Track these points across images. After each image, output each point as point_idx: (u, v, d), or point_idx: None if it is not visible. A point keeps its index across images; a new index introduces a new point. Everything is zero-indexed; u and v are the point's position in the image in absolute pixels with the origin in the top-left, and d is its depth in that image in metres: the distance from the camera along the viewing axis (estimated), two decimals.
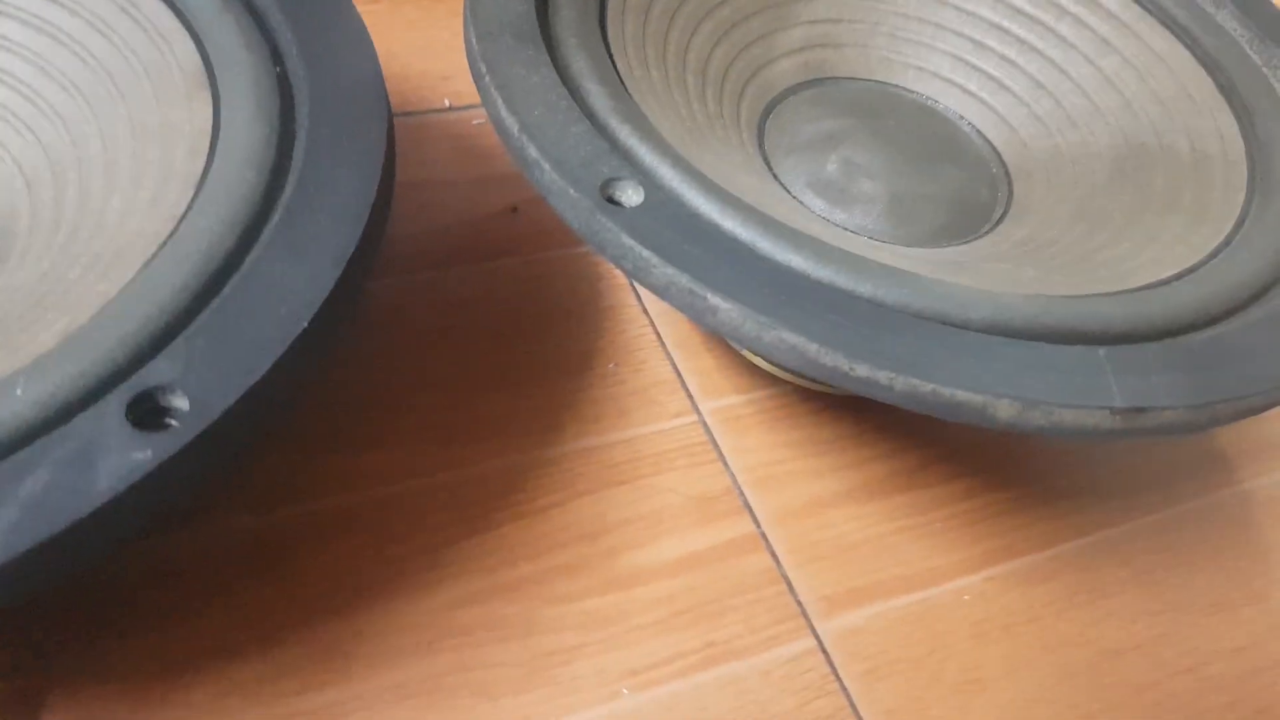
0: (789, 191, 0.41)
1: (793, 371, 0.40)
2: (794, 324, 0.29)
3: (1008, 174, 0.44)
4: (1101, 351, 0.30)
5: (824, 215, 0.41)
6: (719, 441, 0.43)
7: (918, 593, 0.40)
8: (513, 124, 0.32)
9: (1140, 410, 0.29)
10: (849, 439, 0.44)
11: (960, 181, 0.43)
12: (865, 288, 0.31)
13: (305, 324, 0.24)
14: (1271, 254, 0.34)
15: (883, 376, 0.29)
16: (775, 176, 0.42)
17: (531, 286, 0.47)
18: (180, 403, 0.23)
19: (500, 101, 0.33)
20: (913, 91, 0.46)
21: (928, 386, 0.29)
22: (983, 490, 0.44)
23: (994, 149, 0.44)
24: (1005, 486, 0.44)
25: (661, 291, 0.30)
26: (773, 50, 0.45)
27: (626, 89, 0.36)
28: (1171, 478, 0.46)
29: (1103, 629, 0.40)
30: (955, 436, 0.45)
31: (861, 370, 0.29)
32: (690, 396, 0.44)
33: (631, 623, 0.37)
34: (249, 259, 0.26)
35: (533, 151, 0.32)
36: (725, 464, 0.42)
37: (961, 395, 0.29)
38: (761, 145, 0.43)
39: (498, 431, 0.41)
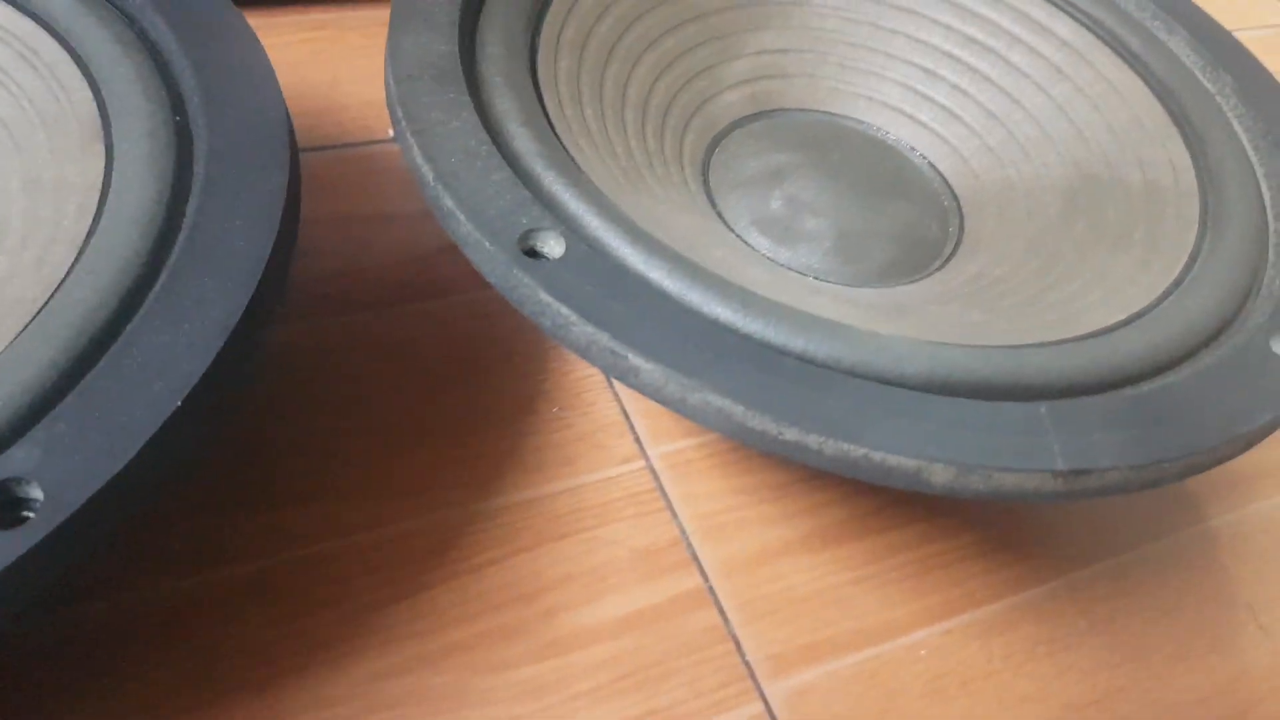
0: (733, 230, 0.40)
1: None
2: (720, 385, 0.28)
3: (959, 207, 0.42)
4: (1043, 408, 0.29)
5: (769, 254, 0.39)
6: (667, 489, 0.42)
7: (872, 648, 0.39)
8: (428, 172, 0.31)
9: (1082, 472, 0.27)
10: (804, 483, 0.43)
11: (910, 216, 0.41)
12: (797, 342, 0.29)
13: (179, 402, 0.23)
14: (1222, 296, 0.33)
15: (812, 440, 0.27)
16: (719, 214, 0.40)
17: (474, 326, 0.45)
18: (37, 494, 0.21)
19: (416, 149, 0.31)
20: (863, 122, 0.45)
21: (859, 450, 0.27)
22: (941, 535, 0.42)
23: (945, 181, 0.43)
24: (965, 530, 0.43)
25: (582, 351, 0.29)
26: (719, 82, 0.43)
27: (555, 130, 0.34)
28: (1133, 517, 0.44)
29: (1063, 683, 0.39)
30: None
31: (790, 434, 0.27)
32: (639, 441, 0.43)
33: (570, 690, 0.35)
34: (128, 329, 0.25)
35: (448, 202, 0.30)
36: (673, 513, 0.41)
37: (894, 460, 0.27)
38: (706, 182, 0.41)
39: (432, 484, 0.40)
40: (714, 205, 0.40)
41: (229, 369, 0.25)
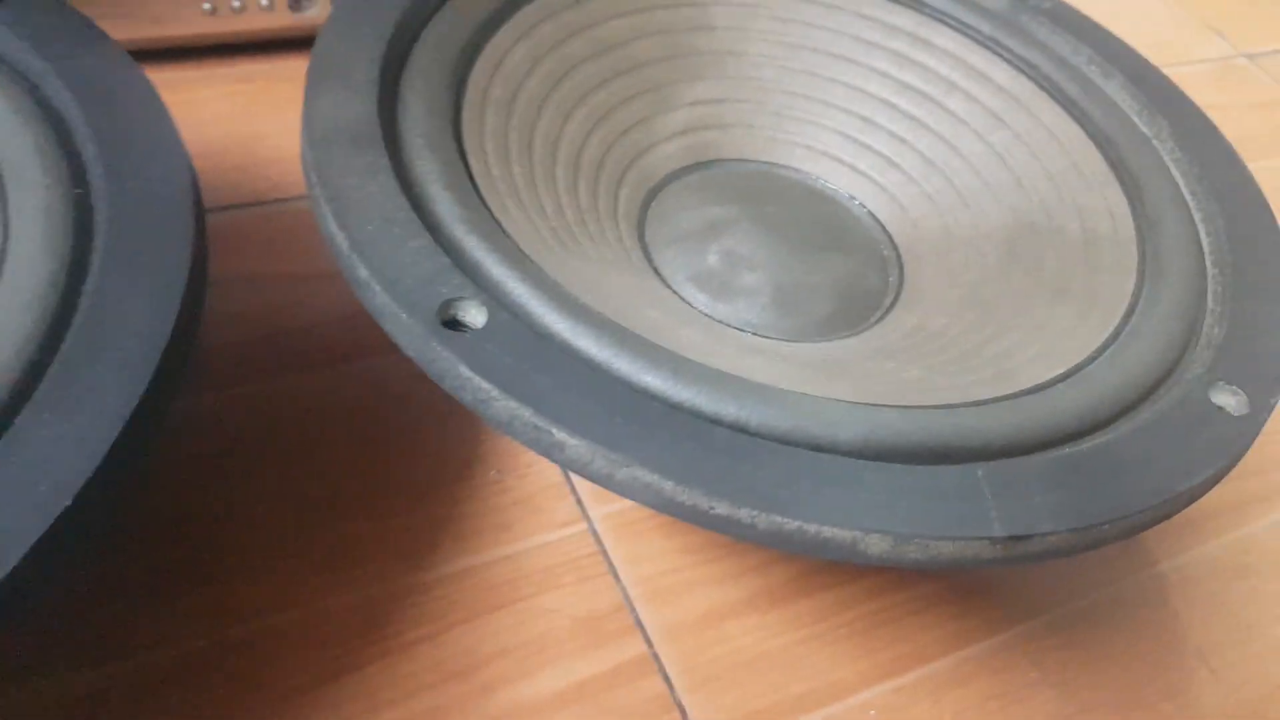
0: (669, 286, 0.39)
1: None
2: (648, 459, 0.27)
3: (899, 257, 0.42)
4: (980, 470, 0.28)
5: (706, 310, 0.39)
6: (610, 551, 0.40)
7: (821, 710, 0.38)
8: (342, 241, 0.30)
9: (1021, 538, 0.27)
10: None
11: (849, 268, 0.41)
12: (729, 410, 0.28)
13: (69, 501, 0.21)
14: (1160, 348, 0.32)
15: (744, 515, 0.26)
16: (656, 270, 0.39)
17: (406, 387, 0.44)
18: None
19: (330, 216, 0.30)
20: (801, 171, 0.44)
21: (793, 524, 0.26)
22: (890, 589, 0.41)
23: (885, 230, 0.43)
24: (913, 583, 0.42)
25: (505, 427, 0.27)
26: (654, 134, 0.43)
27: (480, 192, 0.33)
28: (1082, 565, 0.44)
29: None
30: None
31: (721, 508, 0.26)
32: (580, 502, 0.42)
33: None
34: (16, 422, 0.23)
35: (363, 272, 0.29)
36: (616, 577, 0.40)
37: (828, 532, 0.26)
38: (642, 237, 0.41)
39: (363, 556, 0.38)
40: (650, 261, 0.40)
41: (127, 458, 0.24)
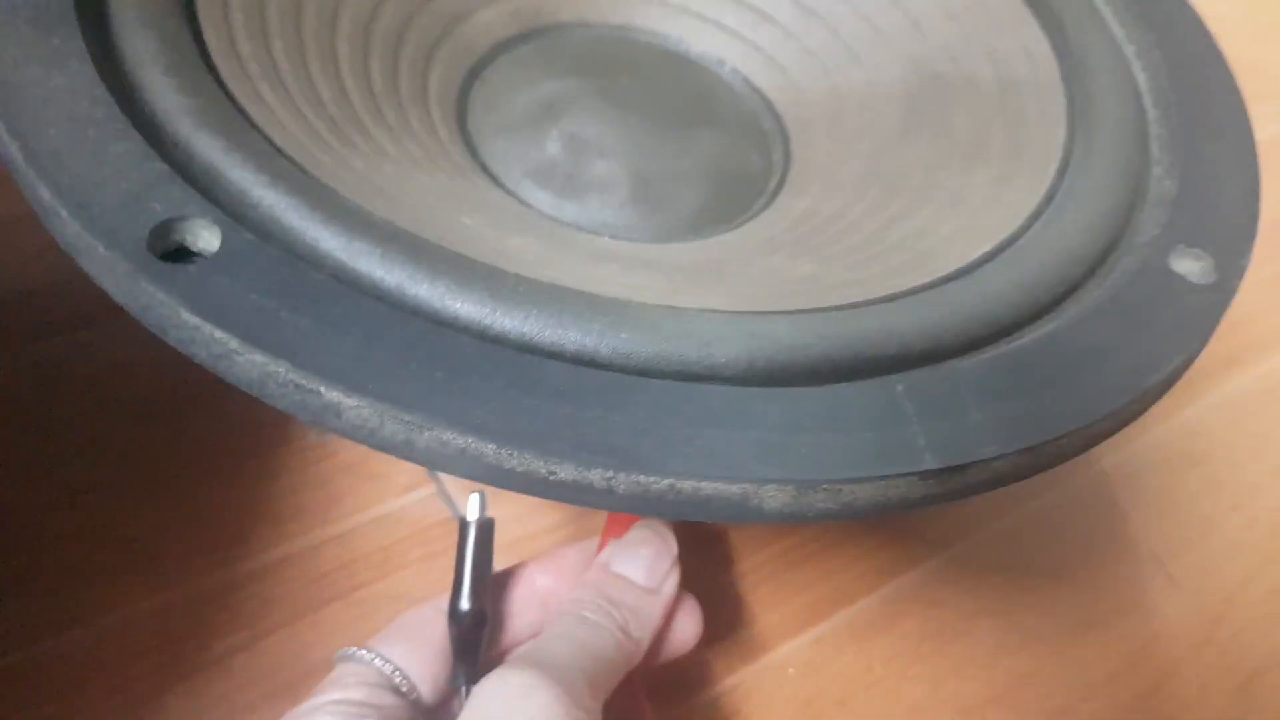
0: (502, 186, 0.31)
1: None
2: (458, 416, 0.19)
3: (782, 129, 0.35)
4: (899, 386, 0.21)
5: (551, 211, 0.31)
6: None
7: (732, 676, 0.32)
8: (16, 154, 0.21)
9: (959, 469, 0.20)
10: None
11: (722, 147, 0.34)
12: (570, 336, 0.21)
13: None
14: (1104, 210, 0.26)
15: (596, 477, 0.19)
16: (483, 166, 0.32)
17: None
18: None
19: None
20: (657, 34, 0.36)
21: (662, 483, 0.19)
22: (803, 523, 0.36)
23: (763, 98, 0.36)
24: None
25: (256, 388, 0.20)
26: None
27: (220, 77, 0.25)
28: None
29: (957, 681, 0.33)
30: None
31: (565, 473, 0.19)
32: None
33: None
34: None
35: (44, 193, 0.21)
36: None
37: (710, 488, 0.20)
38: (464, 126, 0.33)
39: (154, 558, 0.31)
40: (475, 156, 0.32)
41: None
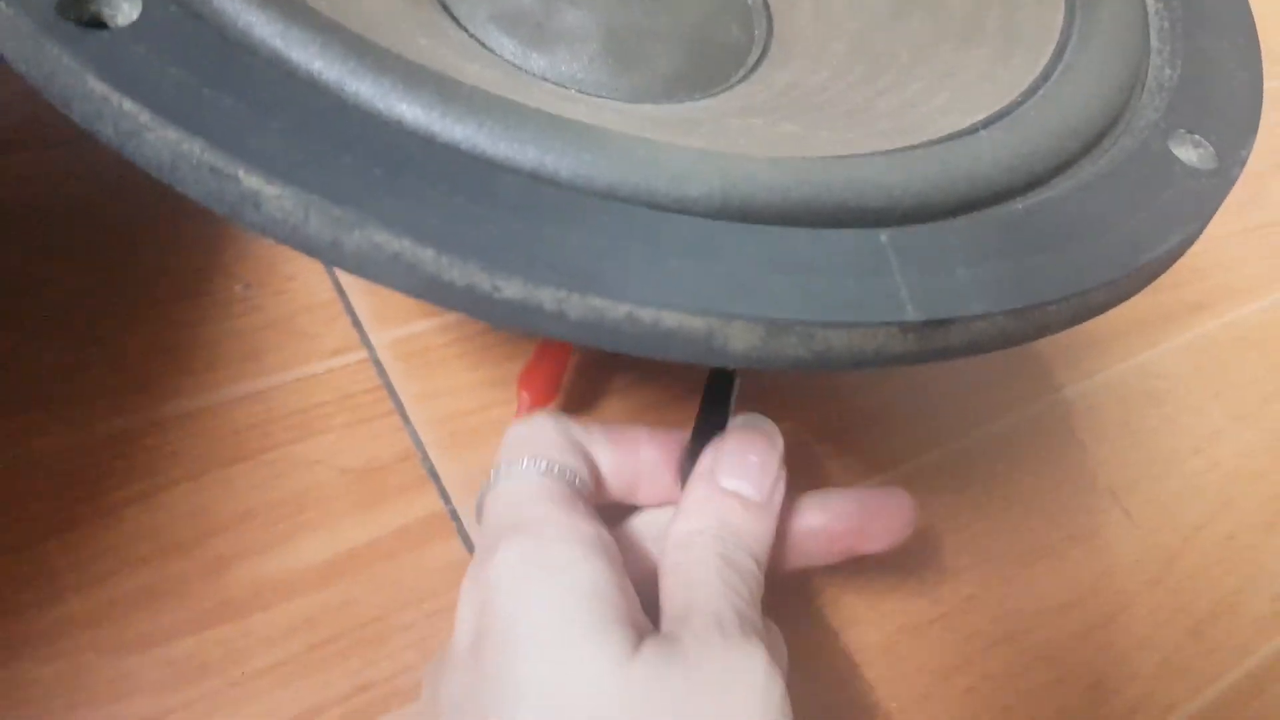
0: (465, 28, 0.29)
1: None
2: (394, 215, 0.17)
3: (766, 4, 0.33)
4: (884, 236, 0.20)
5: (514, 60, 0.29)
6: (397, 386, 0.31)
7: None
8: None
9: (942, 323, 0.19)
10: (578, 367, 0.33)
11: (703, 12, 0.31)
12: (527, 153, 0.19)
13: None
14: (1103, 87, 0.24)
15: (547, 297, 0.17)
16: (445, 6, 0.29)
17: (118, 175, 0.32)
18: None
19: None
20: None
21: (619, 308, 0.17)
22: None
23: None
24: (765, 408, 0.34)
25: (167, 172, 0.17)
26: None
27: None
28: (972, 390, 0.37)
29: (899, 597, 0.32)
30: None
31: (511, 289, 0.17)
32: (358, 324, 0.32)
33: (244, 668, 0.25)
34: None
35: None
36: (405, 417, 0.31)
37: (672, 319, 0.18)
38: None
39: (55, 398, 0.28)
40: None
41: None
